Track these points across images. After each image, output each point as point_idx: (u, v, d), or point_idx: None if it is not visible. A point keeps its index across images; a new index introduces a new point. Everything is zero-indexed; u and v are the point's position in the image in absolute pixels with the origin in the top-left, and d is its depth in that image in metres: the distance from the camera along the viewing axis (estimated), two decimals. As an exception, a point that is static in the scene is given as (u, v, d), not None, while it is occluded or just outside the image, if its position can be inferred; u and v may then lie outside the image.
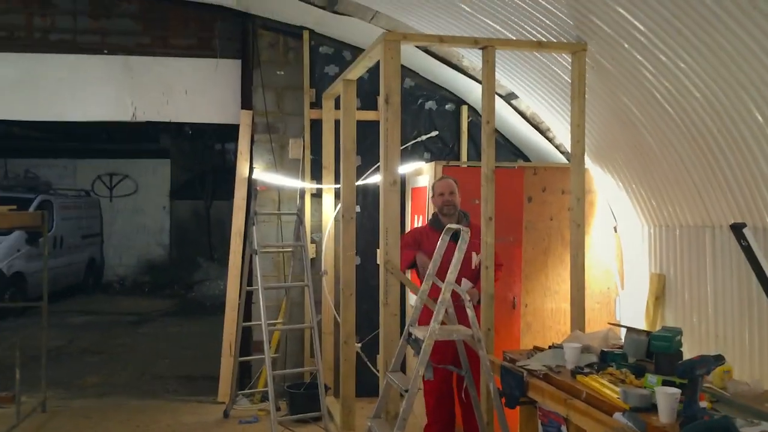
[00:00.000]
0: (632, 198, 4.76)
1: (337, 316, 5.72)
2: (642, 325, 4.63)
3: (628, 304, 5.01)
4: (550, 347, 3.50)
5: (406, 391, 3.04)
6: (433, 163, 4.94)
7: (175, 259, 14.98)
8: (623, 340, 3.47)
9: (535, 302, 4.99)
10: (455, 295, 3.32)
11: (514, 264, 4.90)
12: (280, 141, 5.85)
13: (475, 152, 5.92)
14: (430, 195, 4.44)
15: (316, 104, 5.80)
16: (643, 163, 4.46)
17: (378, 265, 5.91)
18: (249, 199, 5.79)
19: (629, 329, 3.61)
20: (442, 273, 3.39)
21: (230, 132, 16.22)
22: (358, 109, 5.73)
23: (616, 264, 5.12)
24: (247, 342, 5.74)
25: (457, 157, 5.94)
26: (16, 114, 5.84)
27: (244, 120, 5.82)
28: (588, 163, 5.07)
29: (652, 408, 2.57)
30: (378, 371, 5.86)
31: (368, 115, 5.77)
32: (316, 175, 5.80)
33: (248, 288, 5.19)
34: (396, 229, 3.67)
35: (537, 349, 3.55)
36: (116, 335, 9.05)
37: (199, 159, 16.17)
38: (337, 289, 5.82)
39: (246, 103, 5.84)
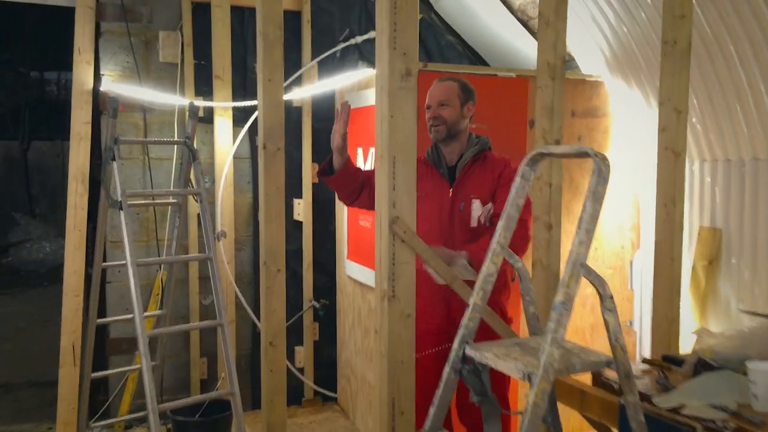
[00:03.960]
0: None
1: (240, 295, 3.94)
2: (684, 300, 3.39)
3: (650, 268, 3.75)
4: (680, 362, 2.06)
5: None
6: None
7: (-18, 215, 11.96)
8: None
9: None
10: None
11: (514, 217, 3.42)
12: (144, 35, 3.83)
13: (427, 59, 4.29)
14: None
15: (201, -21, 3.85)
16: (703, 69, 3.12)
17: (297, 221, 4.19)
18: (95, 124, 3.75)
19: (775, 320, 2.28)
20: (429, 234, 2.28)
21: (52, 58, 13.31)
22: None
23: (631, 214, 3.81)
24: (101, 340, 3.80)
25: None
26: None
27: (82, 1, 3.70)
28: (603, 75, 3.67)
29: None
30: (297, 370, 4.21)
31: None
32: (203, 89, 3.88)
33: (105, 264, 3.24)
34: (411, 162, 1.99)
35: (652, 365, 2.11)
36: None
37: (12, 90, 13.03)
38: (239, 259, 4.02)
39: (86, -29, 3.72)
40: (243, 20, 3.94)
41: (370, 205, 2.92)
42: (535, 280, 2.42)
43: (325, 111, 4.08)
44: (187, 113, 3.23)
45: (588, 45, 3.61)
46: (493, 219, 2.63)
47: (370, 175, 2.85)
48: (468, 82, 2.77)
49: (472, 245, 2.55)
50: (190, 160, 3.10)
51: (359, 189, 2.82)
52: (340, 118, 2.74)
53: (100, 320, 3.24)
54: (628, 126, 3.66)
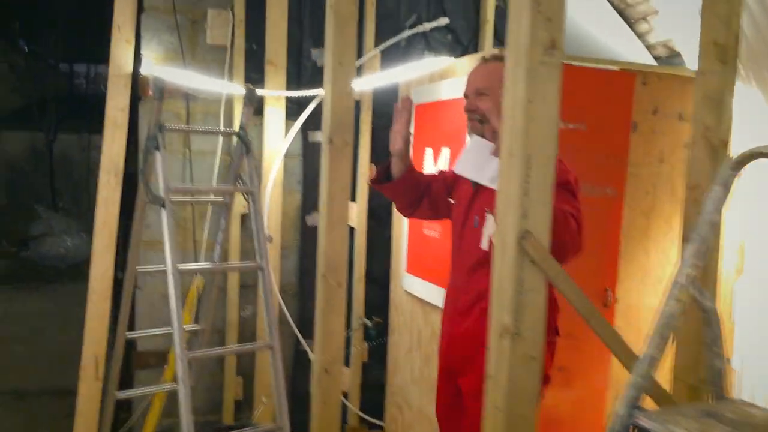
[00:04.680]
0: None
1: (284, 308, 3.51)
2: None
3: (756, 293, 3.25)
4: None
5: None
6: (475, 56, 2.79)
7: (4, 206, 11.65)
8: None
9: (630, 296, 3.08)
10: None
11: (610, 233, 2.96)
12: (191, 12, 3.42)
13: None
14: None
15: (257, -48, 3.43)
16: None
17: (349, 227, 3.75)
18: (133, 110, 3.35)
19: None
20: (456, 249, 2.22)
21: (82, 50, 13.12)
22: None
23: (737, 233, 3.32)
24: (126, 352, 3.38)
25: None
26: None
27: (125, -29, 3.31)
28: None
29: None
30: (341, 394, 3.76)
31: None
32: (253, 77, 3.47)
33: (141, 268, 2.82)
34: (550, 162, 1.54)
35: None
36: None
37: (39, 81, 12.79)
38: (284, 267, 3.59)
39: (130, -62, 3.32)
40: (300, 0, 3.53)
41: (430, 216, 2.50)
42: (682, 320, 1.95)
43: (385, 106, 3.63)
44: (240, 100, 2.82)
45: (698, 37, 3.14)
46: None
47: (431, 180, 2.41)
48: None
49: None
50: (243, 153, 2.68)
51: (420, 197, 2.39)
52: (401, 116, 2.31)
53: (129, 333, 2.83)
54: (739, 131, 3.17)
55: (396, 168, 2.35)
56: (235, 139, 2.83)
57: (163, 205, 2.38)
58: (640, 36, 3.34)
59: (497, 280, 1.59)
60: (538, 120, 1.52)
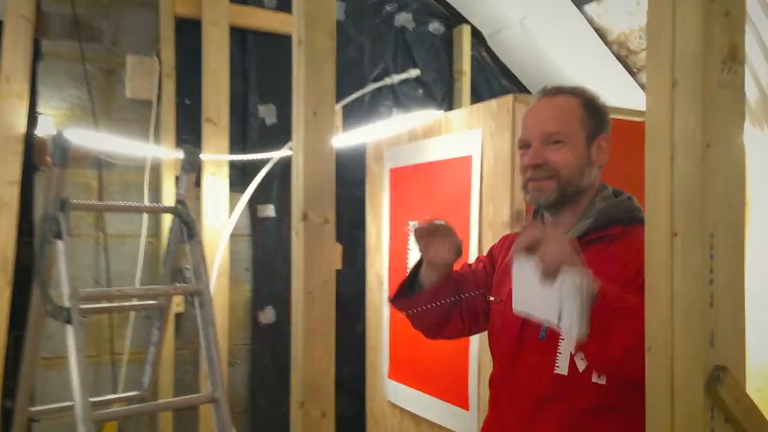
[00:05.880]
0: None
1: (233, 437, 2.69)
2: None
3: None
4: None
5: None
6: (479, 105, 2.21)
7: None
8: None
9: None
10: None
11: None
12: (104, 61, 2.70)
13: (481, 112, 3.32)
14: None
15: (190, -12, 2.78)
16: None
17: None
18: (27, 184, 2.57)
19: None
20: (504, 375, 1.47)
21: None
22: (270, 8, 2.97)
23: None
24: None
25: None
26: None
27: (15, 10, 2.58)
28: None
29: None
30: None
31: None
32: (186, 138, 2.76)
33: (35, 409, 1.98)
34: (740, 243, 0.93)
35: None
36: None
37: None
38: (232, 377, 2.81)
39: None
40: (245, 47, 2.90)
41: (462, 332, 1.68)
42: None
43: (349, 172, 3.01)
44: (170, 167, 2.11)
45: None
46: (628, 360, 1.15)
47: (459, 278, 1.61)
48: (596, 95, 1.49)
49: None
50: (183, 238, 1.95)
51: (449, 310, 1.60)
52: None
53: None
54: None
55: (431, 276, 1.56)
56: (169, 219, 2.11)
57: (69, 321, 1.61)
58: (643, 85, 2.91)
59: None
60: (720, 174, 0.92)
